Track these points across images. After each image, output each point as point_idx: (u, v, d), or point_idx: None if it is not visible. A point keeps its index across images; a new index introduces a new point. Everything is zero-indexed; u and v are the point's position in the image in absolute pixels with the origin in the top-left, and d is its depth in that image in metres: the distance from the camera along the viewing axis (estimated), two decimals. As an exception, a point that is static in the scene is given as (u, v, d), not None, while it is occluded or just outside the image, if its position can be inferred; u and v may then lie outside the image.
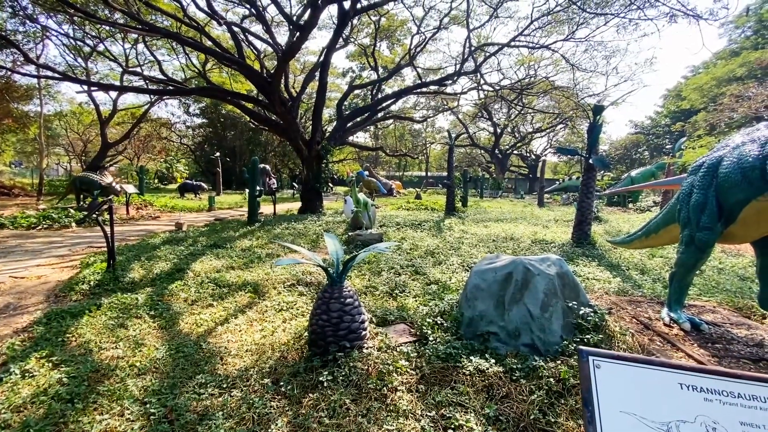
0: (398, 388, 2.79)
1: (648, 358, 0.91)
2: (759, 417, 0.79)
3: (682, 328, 3.38)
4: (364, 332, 3.35)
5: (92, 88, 16.40)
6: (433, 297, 4.75)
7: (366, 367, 3.00)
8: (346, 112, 16.85)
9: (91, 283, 5.34)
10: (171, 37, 12.58)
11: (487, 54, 17.83)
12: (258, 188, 11.80)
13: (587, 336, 3.07)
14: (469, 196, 21.44)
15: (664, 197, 16.54)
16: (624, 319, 3.73)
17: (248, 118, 31.94)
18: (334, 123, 16.66)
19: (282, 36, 21.75)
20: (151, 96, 24.94)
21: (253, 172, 11.68)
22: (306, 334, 3.59)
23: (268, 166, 32.81)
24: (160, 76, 15.83)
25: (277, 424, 2.42)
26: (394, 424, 2.40)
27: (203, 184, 23.25)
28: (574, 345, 2.99)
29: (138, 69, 19.00)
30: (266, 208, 15.91)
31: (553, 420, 2.42)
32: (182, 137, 39.45)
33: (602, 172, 33.31)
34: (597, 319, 3.16)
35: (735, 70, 22.14)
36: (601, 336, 3.03)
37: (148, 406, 2.65)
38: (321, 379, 2.86)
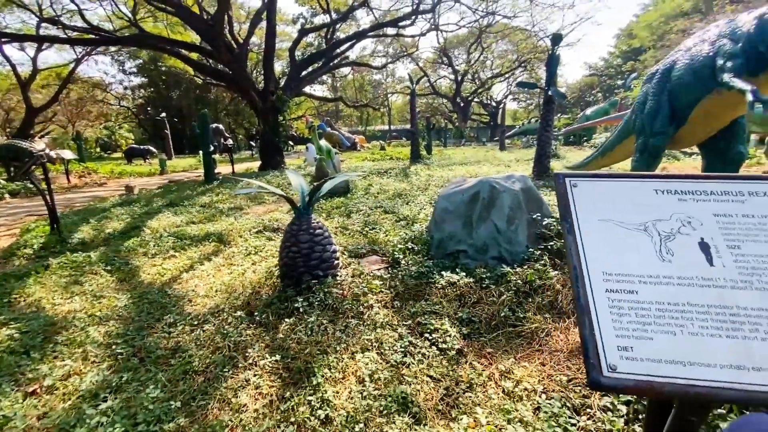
0: (373, 305, 2.82)
1: (624, 173, 0.92)
2: (730, 208, 0.82)
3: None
4: (336, 261, 3.32)
5: (3, 40, 14.24)
6: (403, 229, 4.77)
7: (341, 292, 3.00)
8: (300, 60, 15.83)
9: (35, 246, 4.92)
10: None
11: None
12: (212, 145, 11.11)
13: (551, 243, 3.20)
14: (432, 146, 21.38)
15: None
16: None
17: (193, 73, 29.51)
18: (288, 73, 15.62)
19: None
20: (76, 50, 22.24)
21: (203, 127, 10.91)
22: (277, 271, 3.53)
23: (221, 125, 30.92)
24: (84, 26, 13.95)
25: (254, 348, 2.39)
26: (371, 335, 2.44)
27: (152, 149, 21.62)
28: (539, 252, 3.12)
29: (56, 20, 16.58)
30: (224, 169, 15.15)
31: (521, 315, 2.55)
32: (121, 99, 35.94)
33: (559, 114, 34.15)
34: (559, 227, 3.29)
35: (682, 5, 22.60)
36: (563, 241, 3.17)
37: (114, 348, 2.53)
38: (296, 306, 2.83)
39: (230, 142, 28.93)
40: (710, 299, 0.77)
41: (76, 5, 14.35)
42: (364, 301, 2.87)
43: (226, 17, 11.86)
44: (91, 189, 11.99)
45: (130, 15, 17.15)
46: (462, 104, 36.79)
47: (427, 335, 2.44)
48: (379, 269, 3.56)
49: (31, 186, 5.55)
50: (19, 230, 6.27)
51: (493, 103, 47.55)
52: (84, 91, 30.42)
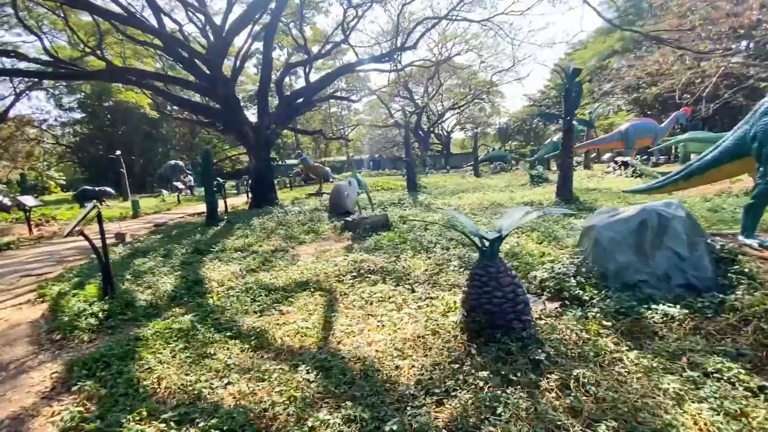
0: (620, 349, 2.63)
1: None
2: None
3: (771, 250, 3.85)
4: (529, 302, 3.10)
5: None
6: (522, 262, 4.64)
7: (564, 337, 2.79)
8: (287, 95, 15.51)
9: (99, 314, 4.04)
10: None
11: (426, 27, 17.96)
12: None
13: (734, 267, 3.27)
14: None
15: (586, 156, 18.98)
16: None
17: (149, 108, 27.77)
18: (277, 107, 15.14)
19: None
20: (15, 85, 19.94)
21: (207, 163, 10.09)
22: (444, 320, 3.23)
23: (180, 162, 28.91)
24: (45, 58, 12.49)
25: (548, 414, 2.09)
26: (671, 384, 2.23)
27: (108, 189, 19.50)
28: (734, 276, 3.16)
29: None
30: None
31: (783, 345, 2.52)
32: (58, 137, 32.44)
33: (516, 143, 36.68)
34: (736, 252, 3.39)
35: (613, 45, 25.89)
36: (746, 268, 3.25)
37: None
38: (537, 357, 2.56)
39: (190, 180, 27.25)
40: None
41: (36, 36, 12.86)
42: (602, 345, 2.68)
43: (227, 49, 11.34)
44: (64, 239, 10.39)
45: (90, 45, 15.71)
46: (422, 134, 38.24)
47: (716, 375, 2.30)
48: (556, 307, 3.38)
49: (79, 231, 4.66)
50: (35, 296, 5.20)
51: (445, 133, 50.20)
52: (15, 129, 27.05)
